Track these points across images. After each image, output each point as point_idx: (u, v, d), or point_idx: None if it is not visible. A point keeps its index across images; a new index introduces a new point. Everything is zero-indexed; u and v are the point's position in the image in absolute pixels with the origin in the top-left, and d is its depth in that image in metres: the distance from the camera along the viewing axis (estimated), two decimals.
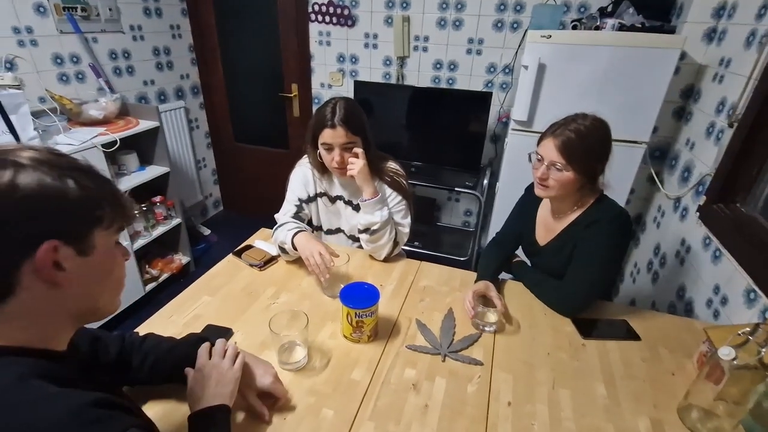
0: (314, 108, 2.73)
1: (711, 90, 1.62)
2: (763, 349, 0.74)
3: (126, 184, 1.99)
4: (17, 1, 1.72)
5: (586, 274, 1.13)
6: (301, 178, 1.43)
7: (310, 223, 1.47)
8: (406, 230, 1.39)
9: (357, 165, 1.25)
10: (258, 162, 3.02)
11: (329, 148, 1.26)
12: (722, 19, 1.59)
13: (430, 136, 2.38)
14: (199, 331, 1.03)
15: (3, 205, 0.43)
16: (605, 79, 1.65)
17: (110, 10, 2.09)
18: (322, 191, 1.43)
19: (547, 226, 1.26)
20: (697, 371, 0.97)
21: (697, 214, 1.48)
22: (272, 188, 2.99)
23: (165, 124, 2.46)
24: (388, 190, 1.38)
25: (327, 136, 1.24)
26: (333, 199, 1.44)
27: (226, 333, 1.03)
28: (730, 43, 1.52)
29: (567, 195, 1.15)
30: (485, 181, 2.28)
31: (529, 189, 1.33)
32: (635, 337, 1.09)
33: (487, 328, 1.08)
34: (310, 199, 1.43)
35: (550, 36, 1.63)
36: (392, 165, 1.42)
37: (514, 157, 1.91)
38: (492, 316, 1.07)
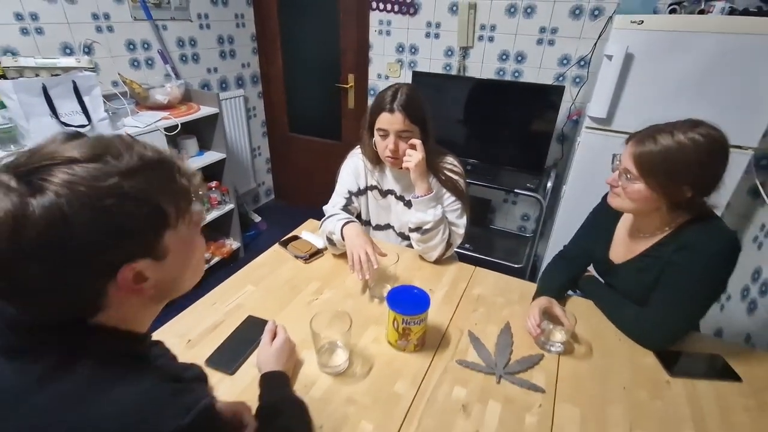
0: (370, 99, 2.67)
1: None
2: None
3: None
4: None
5: (679, 306, 0.94)
6: (353, 170, 1.36)
7: (358, 217, 1.40)
8: (461, 231, 1.28)
9: (414, 158, 1.16)
10: (311, 153, 3.02)
11: (385, 135, 1.18)
12: None
13: (491, 132, 2.22)
14: (240, 321, 1.00)
15: (61, 247, 0.40)
16: (709, 72, 1.41)
17: None
18: (374, 184, 1.36)
19: (626, 244, 1.07)
20: None
21: None
22: (323, 180, 2.98)
23: (224, 111, 2.52)
24: (443, 188, 1.28)
25: (384, 120, 1.16)
26: (384, 193, 1.36)
27: (265, 327, 0.99)
28: None
29: (648, 211, 0.96)
30: (549, 184, 2.09)
31: (607, 198, 1.15)
32: (734, 377, 0.90)
33: (552, 348, 0.95)
34: (360, 192, 1.37)
35: (642, 21, 1.42)
36: (450, 161, 1.31)
37: (586, 159, 1.71)
38: (559, 335, 0.94)
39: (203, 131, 2.19)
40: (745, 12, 1.39)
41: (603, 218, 1.14)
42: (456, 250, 1.34)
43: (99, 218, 0.40)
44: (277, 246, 1.33)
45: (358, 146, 1.39)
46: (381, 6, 2.36)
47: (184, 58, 2.29)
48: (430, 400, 0.83)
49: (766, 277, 1.49)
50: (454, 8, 2.21)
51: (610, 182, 0.98)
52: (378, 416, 0.79)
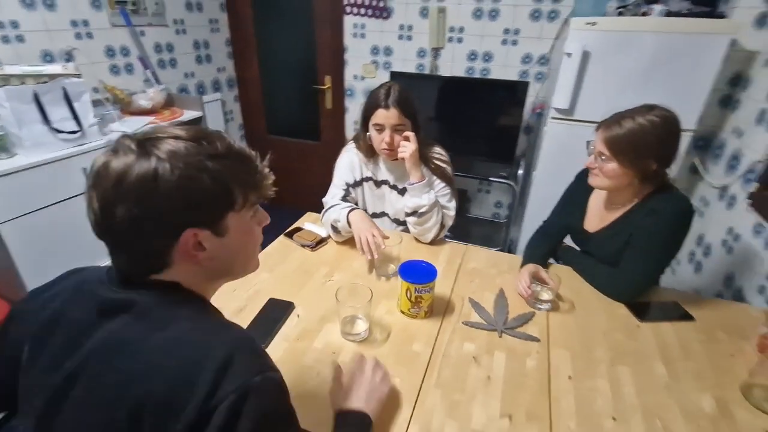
0: (347, 100, 2.77)
1: (763, 77, 1.59)
2: None
3: None
4: None
5: (643, 262, 1.12)
6: (348, 164, 1.46)
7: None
8: (452, 213, 1.41)
9: (409, 148, 1.28)
10: (290, 154, 3.08)
11: (381, 129, 1.29)
12: None
13: (464, 126, 2.39)
14: (262, 304, 1.08)
15: (148, 202, 0.49)
16: (651, 66, 1.63)
17: (156, 4, 2.17)
18: (369, 176, 1.47)
19: (600, 214, 1.24)
20: (758, 353, 0.97)
21: (748, 201, 1.45)
22: (304, 180, 3.06)
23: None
24: (433, 176, 1.41)
25: (380, 116, 1.27)
26: (378, 184, 1.47)
27: (287, 307, 1.07)
28: None
29: (621, 187, 1.13)
30: (520, 172, 2.28)
31: (580, 176, 1.32)
32: (689, 317, 1.08)
33: (541, 306, 1.10)
34: (357, 184, 1.47)
35: (596, 23, 1.62)
36: (438, 150, 1.44)
37: (553, 146, 1.90)
38: (546, 294, 1.09)
39: None
40: (679, 14, 1.62)
41: (577, 194, 1.31)
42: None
43: (180, 184, 0.50)
44: (282, 237, 1.40)
45: (352, 142, 1.49)
46: (355, 10, 2.47)
47: (162, 64, 2.30)
48: (445, 355, 0.95)
49: (708, 242, 1.73)
50: (425, 12, 2.36)
51: (588, 165, 1.14)
52: (402, 371, 0.90)
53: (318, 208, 1.53)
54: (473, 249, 1.38)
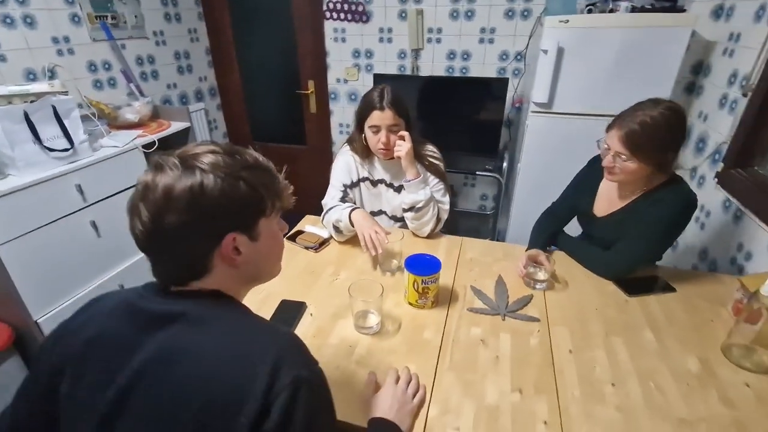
0: (331, 103, 2.81)
1: (721, 63, 1.72)
2: None
3: None
4: (55, 13, 1.79)
5: (638, 245, 1.19)
6: (344, 166, 1.51)
7: None
8: (447, 207, 1.48)
9: (404, 147, 1.34)
10: (276, 159, 2.97)
11: (377, 130, 1.35)
12: None
13: (448, 123, 2.46)
14: (274, 306, 1.12)
15: (196, 208, 0.54)
16: (621, 59, 1.74)
17: (135, 17, 2.16)
18: (365, 176, 1.52)
19: (608, 200, 1.29)
20: (734, 316, 1.07)
21: (716, 180, 1.57)
22: (293, 184, 3.08)
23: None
24: (428, 172, 1.47)
25: (376, 118, 1.33)
26: (375, 183, 1.52)
27: (300, 307, 1.12)
28: (739, 19, 1.61)
29: (637, 180, 1.18)
30: (504, 164, 2.37)
31: (592, 162, 1.37)
32: (672, 289, 1.18)
33: (537, 286, 1.18)
34: (354, 185, 1.52)
35: (568, 21, 1.72)
36: (431, 148, 1.51)
37: (535, 138, 1.99)
38: (542, 275, 1.17)
39: (174, 146, 2.20)
40: (643, 9, 1.73)
41: (588, 179, 1.36)
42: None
43: (224, 191, 0.55)
44: (285, 241, 1.44)
45: (346, 144, 1.54)
46: (335, 15, 2.52)
47: (144, 76, 2.29)
48: (454, 340, 1.01)
49: None
50: (403, 14, 2.43)
51: (606, 165, 1.16)
52: (417, 358, 0.96)
53: (310, 210, 1.58)
54: (468, 240, 1.45)
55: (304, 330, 1.05)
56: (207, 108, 2.82)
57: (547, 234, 1.36)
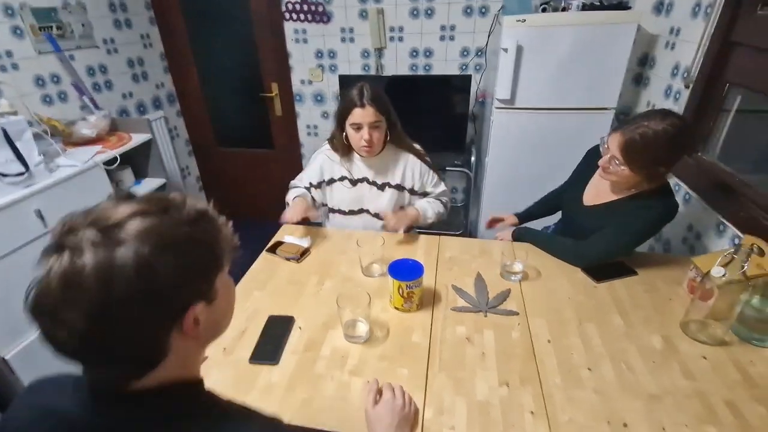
0: (297, 105, 2.78)
1: (664, 56, 1.85)
2: (746, 264, 0.94)
3: None
4: None
5: (614, 241, 1.25)
6: (319, 164, 1.55)
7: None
8: (445, 188, 1.62)
9: (401, 224, 1.46)
10: (244, 164, 3.04)
11: (358, 128, 1.37)
12: None
13: (414, 121, 2.46)
14: (262, 323, 1.12)
15: (144, 290, 0.43)
16: (575, 54, 1.83)
17: (83, 25, 2.04)
18: (344, 175, 1.53)
19: (598, 192, 1.34)
20: (689, 294, 1.18)
21: None
22: (261, 187, 3.05)
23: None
24: (424, 168, 1.55)
25: (357, 115, 1.35)
26: (355, 182, 1.54)
27: (288, 321, 1.13)
28: (678, 14, 1.74)
29: (627, 183, 1.23)
30: (472, 159, 2.45)
31: (589, 153, 1.43)
32: (633, 272, 1.28)
33: (513, 278, 1.25)
34: (328, 182, 1.55)
35: (525, 20, 1.78)
36: (418, 146, 1.57)
37: (501, 133, 2.07)
38: (517, 267, 1.24)
39: (135, 159, 2.12)
40: (593, 6, 1.82)
41: (585, 170, 1.41)
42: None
43: (177, 260, 0.45)
44: (265, 253, 1.44)
45: (326, 142, 1.55)
46: (294, 16, 2.48)
47: (97, 87, 2.17)
48: (442, 341, 1.06)
49: None
50: (364, 14, 2.42)
51: (602, 164, 1.22)
52: (408, 362, 1.00)
53: (281, 213, 1.61)
54: (445, 239, 1.50)
55: (295, 344, 1.06)
56: (166, 115, 2.71)
57: (540, 208, 1.57)
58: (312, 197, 1.56)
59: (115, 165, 1.82)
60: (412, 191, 1.56)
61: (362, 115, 1.35)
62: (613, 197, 1.29)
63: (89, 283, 0.40)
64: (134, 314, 0.43)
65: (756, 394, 0.90)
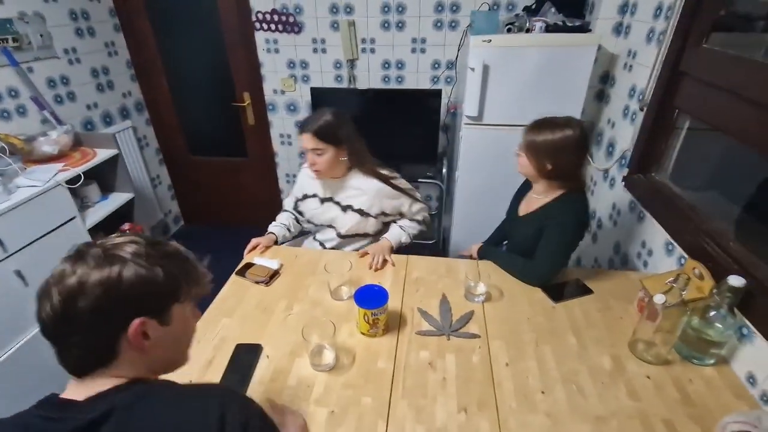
0: (270, 115, 2.76)
1: (623, 77, 1.93)
2: (683, 292, 1.02)
3: (92, 217, 1.94)
4: None
5: (550, 254, 1.36)
6: (300, 179, 1.66)
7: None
8: (421, 205, 1.68)
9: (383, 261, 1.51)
10: (217, 172, 3.00)
11: (305, 151, 1.48)
12: (626, 15, 1.88)
13: (386, 134, 2.50)
14: (229, 352, 1.13)
15: (110, 295, 0.57)
16: (539, 73, 1.89)
17: (41, 36, 1.97)
18: (314, 192, 1.62)
19: (528, 203, 1.49)
20: (638, 313, 1.25)
21: (623, 183, 1.79)
22: (234, 196, 3.02)
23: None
24: (393, 192, 1.59)
25: (302, 140, 1.46)
26: (322, 201, 1.61)
27: (256, 349, 1.14)
28: (635, 37, 1.81)
29: (534, 178, 1.39)
30: (444, 170, 2.49)
31: (526, 180, 1.57)
32: (589, 291, 1.35)
33: (476, 299, 1.30)
34: (305, 198, 1.65)
35: (491, 40, 1.83)
36: (388, 171, 1.60)
37: (469, 148, 2.12)
38: (480, 289, 1.29)
39: (102, 173, 2.07)
40: (555, 27, 1.88)
41: (522, 189, 1.58)
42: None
43: (140, 278, 0.59)
44: (234, 276, 1.44)
45: None
46: (265, 26, 2.45)
47: (59, 99, 2.11)
48: (405, 366, 1.10)
49: (599, 216, 2.08)
50: (335, 25, 2.42)
51: (515, 150, 1.39)
52: (372, 390, 1.03)
53: (257, 221, 1.71)
54: (414, 259, 1.54)
55: (262, 374, 1.08)
56: (135, 125, 2.65)
57: (496, 231, 1.74)
58: (295, 220, 1.72)
59: (79, 183, 1.77)
60: (383, 215, 1.61)
61: (303, 140, 1.45)
62: (537, 205, 1.43)
63: (73, 279, 0.56)
64: (94, 308, 0.56)
65: (691, 412, 0.97)
